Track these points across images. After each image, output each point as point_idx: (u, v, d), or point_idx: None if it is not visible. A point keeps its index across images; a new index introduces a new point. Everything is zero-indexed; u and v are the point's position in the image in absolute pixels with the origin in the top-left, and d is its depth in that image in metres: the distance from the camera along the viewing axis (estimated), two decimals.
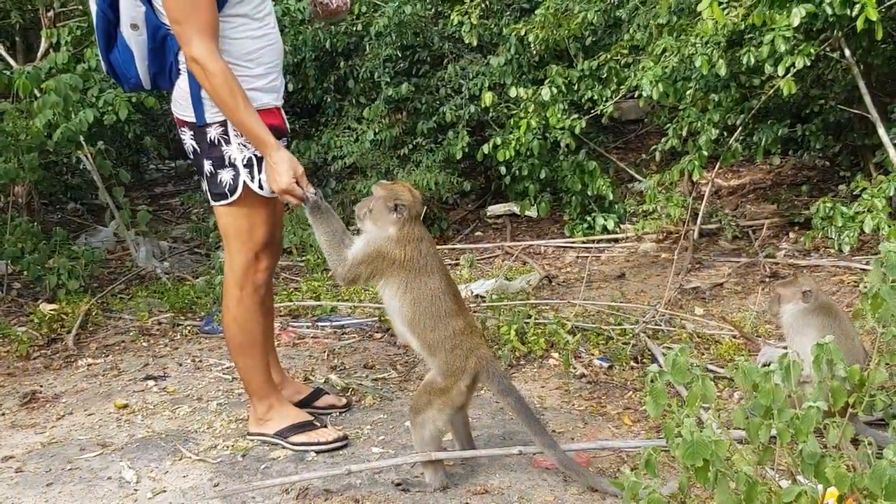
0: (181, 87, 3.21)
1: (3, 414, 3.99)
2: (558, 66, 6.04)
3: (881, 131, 4.93)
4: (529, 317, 4.64)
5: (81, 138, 5.78)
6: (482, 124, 6.88)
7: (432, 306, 3.07)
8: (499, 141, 5.95)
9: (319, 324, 5.03)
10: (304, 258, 6.09)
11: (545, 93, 5.82)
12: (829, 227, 4.97)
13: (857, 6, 4.29)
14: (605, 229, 6.44)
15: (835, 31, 4.95)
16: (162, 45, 3.18)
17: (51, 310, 5.17)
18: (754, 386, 2.52)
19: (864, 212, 4.76)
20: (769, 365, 3.07)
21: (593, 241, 6.40)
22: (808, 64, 4.80)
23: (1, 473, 3.36)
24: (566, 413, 3.77)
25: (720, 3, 4.47)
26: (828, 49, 5.12)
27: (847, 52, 5.07)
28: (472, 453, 3.25)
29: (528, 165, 6.45)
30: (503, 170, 6.48)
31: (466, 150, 6.49)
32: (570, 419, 3.70)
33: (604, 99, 5.94)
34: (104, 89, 5.85)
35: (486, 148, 6.00)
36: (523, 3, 6.90)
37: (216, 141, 3.19)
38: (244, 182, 3.20)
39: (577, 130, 5.92)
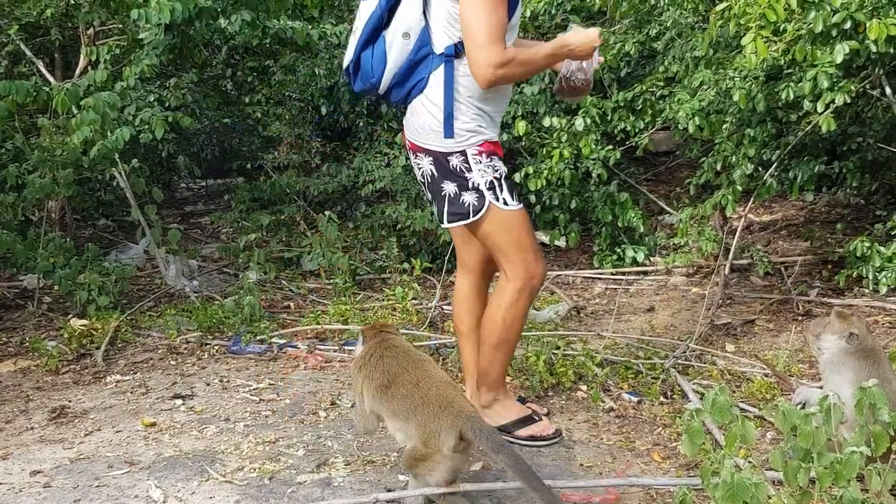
0: (423, 120, 3.44)
1: (32, 428, 3.99)
2: (592, 96, 6.03)
3: None
4: (558, 347, 4.61)
5: (116, 156, 5.83)
6: (513, 152, 6.88)
7: (390, 382, 3.14)
8: (531, 170, 5.94)
9: (347, 347, 5.01)
10: (332, 281, 6.09)
11: (579, 123, 5.82)
12: (864, 266, 4.91)
13: None
14: (634, 261, 6.39)
15: (876, 69, 4.91)
16: (420, 61, 3.41)
17: (80, 325, 5.18)
18: (793, 428, 2.47)
19: None
20: (804, 405, 3.02)
21: (623, 273, 6.36)
22: (848, 101, 4.76)
23: (30, 488, 3.36)
24: (594, 447, 3.72)
25: (763, 38, 4.43)
26: (868, 86, 5.07)
27: (888, 90, 5.02)
28: (494, 486, 3.20)
29: (559, 195, 6.44)
30: (533, 198, 6.46)
31: None
32: (599, 453, 3.65)
33: (636, 130, 5.92)
34: (141, 108, 5.91)
35: (517, 176, 5.99)
36: (558, 32, 6.90)
37: (458, 169, 3.43)
38: (490, 202, 3.44)
39: (611, 162, 5.90)
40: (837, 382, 3.36)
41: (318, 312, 5.59)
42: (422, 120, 3.46)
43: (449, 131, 3.39)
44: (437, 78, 3.39)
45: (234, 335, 5.20)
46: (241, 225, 7.30)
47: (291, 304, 5.95)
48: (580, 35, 3.44)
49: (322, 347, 5.04)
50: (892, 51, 4.33)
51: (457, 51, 3.35)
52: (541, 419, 3.79)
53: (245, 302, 5.37)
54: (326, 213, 6.42)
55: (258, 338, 5.13)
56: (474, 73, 3.29)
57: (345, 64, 3.59)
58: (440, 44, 3.38)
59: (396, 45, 3.38)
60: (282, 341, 5.13)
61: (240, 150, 8.61)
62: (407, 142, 3.63)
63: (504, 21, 3.26)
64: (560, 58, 3.49)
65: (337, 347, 5.04)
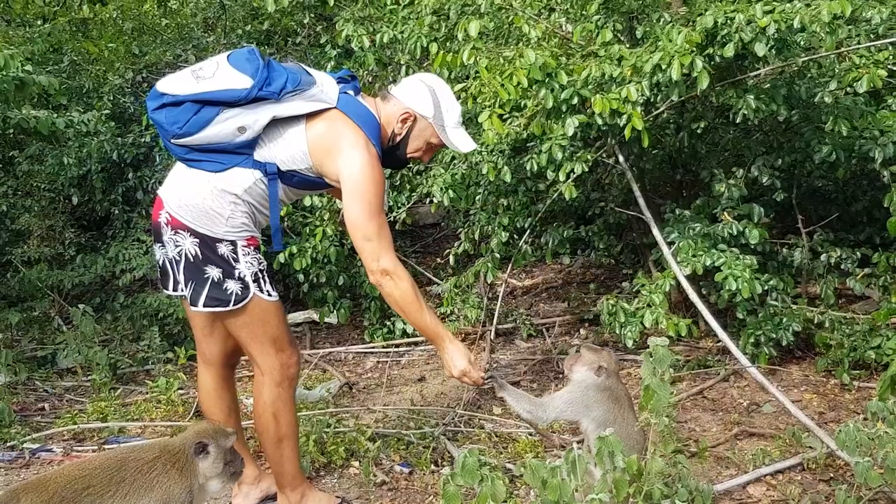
0: (204, 202, 3.35)
1: None
2: None
3: (655, 231, 5.25)
4: (329, 425, 4.57)
5: None
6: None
7: None
8: (295, 249, 5.93)
9: (107, 447, 4.73)
10: (89, 378, 5.75)
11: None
12: (614, 322, 5.22)
13: (625, 116, 4.62)
14: (404, 333, 6.47)
15: (608, 140, 5.30)
16: (232, 152, 3.36)
17: None
18: (543, 482, 2.57)
19: (644, 307, 5.02)
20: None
21: (394, 346, 6.43)
22: (587, 169, 5.10)
23: None
24: None
25: (500, 116, 4.69)
26: (604, 155, 5.45)
27: (621, 158, 5.39)
28: None
29: (326, 272, 6.44)
30: (301, 277, 6.44)
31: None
32: None
33: (399, 205, 6.07)
34: None
35: (282, 256, 5.96)
36: None
37: (226, 256, 3.40)
38: (254, 293, 3.43)
39: None
40: (588, 422, 3.44)
41: (76, 412, 5.27)
42: (197, 199, 3.37)
43: (278, 244, 3.58)
44: (237, 174, 3.37)
45: None
46: None
47: (46, 406, 5.56)
48: (457, 357, 3.50)
49: (80, 449, 4.74)
50: (618, 122, 4.69)
51: (279, 171, 3.42)
52: None
53: None
54: (80, 306, 6.09)
55: (8, 444, 4.76)
56: (367, 267, 3.43)
57: (163, 88, 3.39)
58: (264, 157, 3.40)
59: (225, 128, 3.33)
60: (35, 446, 4.77)
61: None
62: (165, 215, 3.45)
63: (386, 226, 3.46)
64: (432, 340, 3.59)
65: (97, 447, 4.74)
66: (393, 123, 3.56)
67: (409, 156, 3.65)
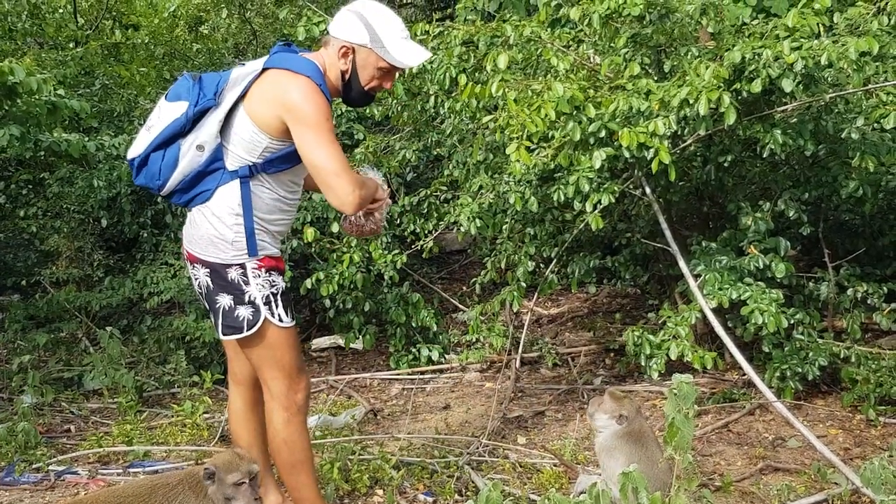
0: (203, 230, 3.41)
1: None
2: None
3: (681, 263, 5.23)
4: (353, 453, 4.58)
5: None
6: (306, 258, 6.90)
7: None
8: (322, 275, 5.98)
9: (131, 470, 4.75)
10: (115, 400, 5.80)
11: None
12: (640, 354, 5.21)
13: (652, 150, 4.64)
14: (429, 360, 6.49)
15: (635, 171, 5.31)
16: (209, 173, 3.39)
17: None
18: None
19: (669, 339, 5.01)
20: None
21: (418, 373, 6.44)
22: (614, 200, 5.11)
23: None
24: None
25: (528, 148, 4.71)
26: (631, 187, 5.46)
27: (647, 190, 5.39)
28: None
29: (353, 298, 6.48)
30: (327, 302, 6.48)
31: (290, 283, 6.46)
32: None
33: (426, 232, 6.11)
34: None
35: (309, 282, 6.00)
36: (345, 140, 7.07)
37: (236, 282, 3.42)
38: (265, 317, 3.43)
39: (398, 265, 6.04)
40: (612, 468, 3.53)
41: (101, 434, 5.30)
42: (201, 230, 3.43)
43: (253, 250, 3.40)
44: (223, 192, 3.39)
45: (7, 465, 4.82)
46: (17, 345, 6.87)
47: (72, 428, 5.60)
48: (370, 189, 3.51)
49: (105, 472, 4.75)
50: (645, 155, 4.71)
51: (251, 172, 3.38)
52: None
53: (19, 428, 5.02)
54: (108, 328, 6.15)
55: (34, 466, 4.78)
56: (341, 202, 3.28)
57: (129, 155, 3.49)
58: (234, 163, 3.38)
59: (189, 155, 3.37)
60: (60, 468, 4.80)
61: (14, 266, 8.13)
62: (185, 251, 3.57)
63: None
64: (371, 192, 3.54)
65: (121, 471, 4.77)
66: (337, 63, 3.50)
67: (367, 88, 3.55)
